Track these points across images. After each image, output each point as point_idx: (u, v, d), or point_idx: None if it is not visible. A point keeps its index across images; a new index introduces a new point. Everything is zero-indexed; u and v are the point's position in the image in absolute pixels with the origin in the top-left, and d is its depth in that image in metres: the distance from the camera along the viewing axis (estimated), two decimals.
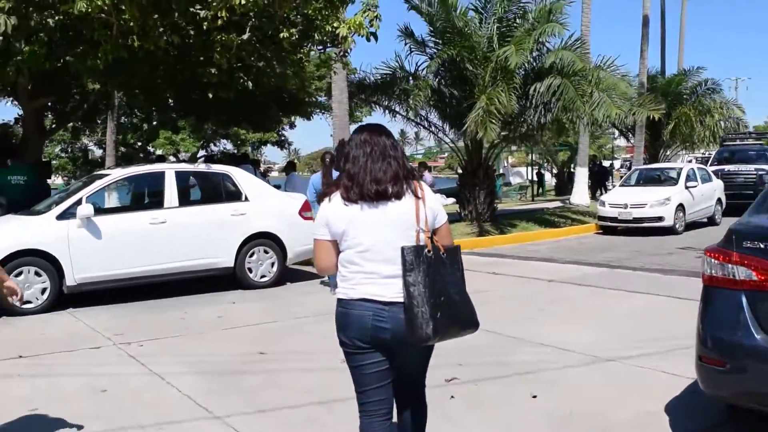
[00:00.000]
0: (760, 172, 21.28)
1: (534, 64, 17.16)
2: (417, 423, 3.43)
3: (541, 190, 37.71)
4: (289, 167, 16.34)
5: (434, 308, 2.99)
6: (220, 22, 9.52)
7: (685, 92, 29.37)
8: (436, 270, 3.06)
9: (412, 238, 3.06)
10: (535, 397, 5.15)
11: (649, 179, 19.09)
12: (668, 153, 31.55)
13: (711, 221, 18.72)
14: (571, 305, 8.59)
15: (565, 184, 38.44)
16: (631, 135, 30.28)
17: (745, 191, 20.81)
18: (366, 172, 3.08)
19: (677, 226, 16.66)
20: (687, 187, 17.51)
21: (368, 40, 11.24)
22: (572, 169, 38.62)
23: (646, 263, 11.95)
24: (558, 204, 26.57)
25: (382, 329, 3.04)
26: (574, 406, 4.98)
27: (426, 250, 3.04)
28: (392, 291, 3.04)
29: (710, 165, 22.67)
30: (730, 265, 4.03)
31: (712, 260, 4.15)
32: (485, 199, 17.75)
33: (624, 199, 17.15)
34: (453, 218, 17.70)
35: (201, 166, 10.88)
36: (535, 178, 38.73)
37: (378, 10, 11.25)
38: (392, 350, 3.13)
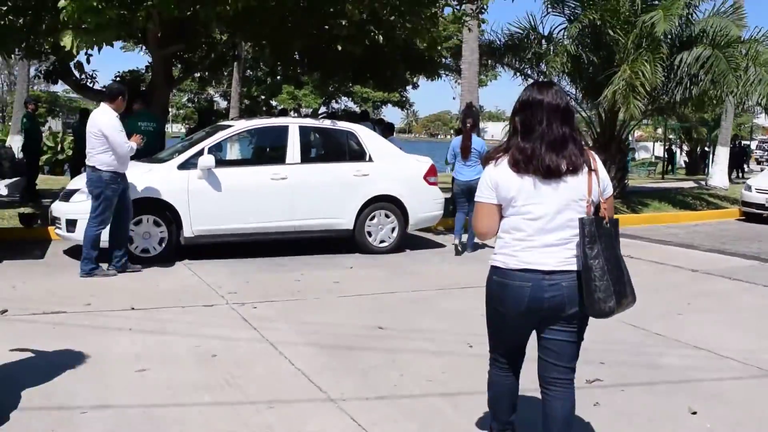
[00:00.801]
0: None
1: (681, 31, 15.78)
2: (563, 416, 3.19)
3: (671, 168, 35.64)
4: (388, 130, 15.81)
5: (615, 281, 2.98)
6: None
7: None
8: (610, 242, 3.04)
9: (583, 209, 3.01)
10: (695, 413, 4.41)
11: None
12: None
13: None
14: (722, 302, 7.65)
15: (697, 164, 36.30)
16: None
17: None
18: (539, 149, 2.98)
19: None
20: None
21: None
22: (706, 148, 36.39)
23: None
24: (692, 184, 24.93)
25: (540, 300, 3.00)
26: (744, 428, 4.23)
27: (605, 222, 3.03)
28: (555, 259, 3.00)
29: None
30: None
31: None
32: (616, 175, 16.63)
33: None
34: None
35: (326, 123, 10.42)
36: (665, 155, 36.60)
37: None
38: (547, 320, 3.08)
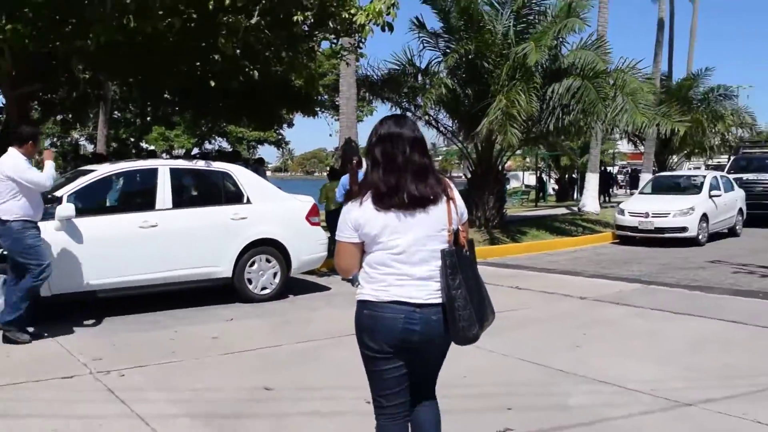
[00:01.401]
0: None
1: (552, 63, 16.16)
2: (432, 420, 3.31)
3: (543, 196, 36.73)
4: (258, 164, 15.38)
5: (477, 308, 3.03)
6: (227, 1, 8.47)
7: (695, 98, 28.47)
8: (470, 268, 3.09)
9: (444, 238, 3.02)
10: None
11: (670, 187, 18.11)
12: (674, 159, 30.75)
13: (732, 232, 17.83)
14: (617, 329, 7.54)
15: (566, 190, 37.61)
16: (639, 141, 29.46)
17: (764, 201, 19.98)
18: (403, 180, 2.97)
19: (700, 237, 15.72)
20: (711, 197, 16.57)
21: (383, 29, 10.24)
22: (574, 175, 37.81)
23: (680, 279, 10.96)
24: (564, 211, 25.60)
25: (411, 332, 2.98)
26: None
27: (464, 250, 3.07)
28: (425, 293, 3.00)
29: (727, 173, 21.71)
30: None
31: None
32: (494, 205, 16.79)
33: (645, 207, 16.17)
34: None
35: (199, 163, 9.69)
36: (537, 183, 37.72)
37: None
38: (416, 352, 3.06)
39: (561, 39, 15.91)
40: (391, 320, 2.98)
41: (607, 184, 33.88)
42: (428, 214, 3.00)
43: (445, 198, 3.05)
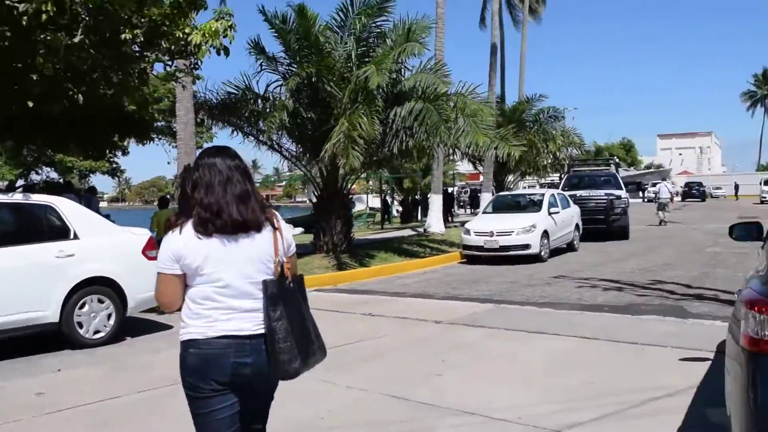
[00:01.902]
0: (610, 197, 21.50)
1: (394, 87, 16.17)
2: None
3: (388, 218, 37.03)
4: (90, 192, 14.33)
5: (299, 341, 2.95)
6: (44, 17, 7.62)
7: (528, 119, 29.73)
8: (295, 301, 3.02)
9: (270, 270, 2.97)
10: None
11: (511, 206, 18.60)
12: (511, 179, 31.94)
13: (570, 247, 18.52)
14: (475, 353, 7.38)
15: (410, 212, 38.18)
16: (478, 162, 30.34)
17: (597, 216, 21.03)
18: (225, 203, 2.91)
19: (543, 253, 16.19)
20: (550, 213, 17.15)
21: (218, 53, 9.69)
22: (417, 196, 38.47)
23: (529, 296, 11.10)
24: (410, 232, 25.81)
25: (243, 365, 2.89)
26: None
27: (287, 282, 3.00)
28: (253, 324, 2.92)
29: (561, 191, 22.70)
30: None
31: (763, 317, 2.99)
32: (342, 229, 16.50)
33: (489, 226, 16.46)
34: (307, 250, 16.32)
35: (16, 197, 8.64)
36: (382, 206, 38.02)
37: (233, 20, 9.78)
38: (248, 387, 2.97)
39: (402, 62, 15.95)
40: (221, 356, 2.88)
41: (449, 204, 34.64)
42: (252, 242, 2.95)
43: (270, 227, 3.01)
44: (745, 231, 5.89)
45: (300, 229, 28.70)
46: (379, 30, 16.39)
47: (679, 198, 63.02)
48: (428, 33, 16.91)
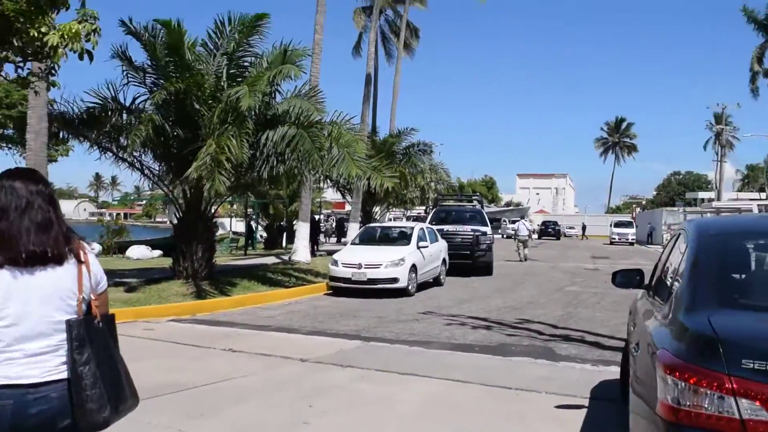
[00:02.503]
0: (476, 233, 21.77)
1: (267, 110, 15.63)
2: None
3: (252, 244, 36.05)
4: None
5: (109, 388, 2.69)
6: None
7: (399, 152, 29.90)
8: (104, 343, 2.74)
9: (72, 309, 2.68)
10: None
11: (380, 238, 18.39)
12: (378, 210, 31.94)
13: (436, 282, 18.50)
14: (345, 398, 6.90)
15: (275, 238, 37.40)
16: (346, 191, 30.15)
17: (463, 251, 21.22)
18: (21, 231, 2.62)
19: (410, 287, 16.03)
20: (419, 247, 17.05)
21: (81, 58, 8.82)
22: (283, 223, 37.78)
23: (398, 333, 10.80)
24: (275, 260, 25.07)
25: (26, 416, 2.54)
26: None
27: (96, 322, 2.73)
28: (42, 370, 2.60)
29: (429, 225, 22.78)
30: (725, 397, 2.60)
31: (684, 384, 2.70)
32: (204, 255, 15.61)
33: (358, 258, 16.13)
34: (165, 275, 15.37)
35: None
36: (247, 231, 36.99)
37: (98, 23, 8.95)
38: None
39: (277, 85, 15.46)
40: None
41: (316, 233, 34.17)
42: (51, 276, 2.66)
43: (74, 260, 2.73)
44: (627, 279, 5.81)
45: (158, 252, 27.37)
46: (252, 50, 15.82)
47: (536, 236, 65.61)
48: (305, 58, 16.52)
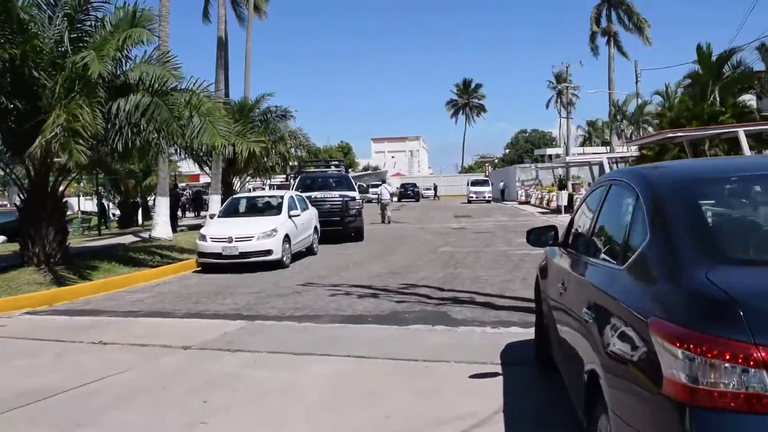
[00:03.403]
0: (345, 199, 21.34)
1: (116, 77, 14.34)
2: None
3: (105, 223, 33.88)
4: None
5: None
6: None
7: (256, 118, 28.79)
8: None
9: None
10: None
11: (248, 209, 17.55)
12: (238, 180, 30.77)
13: (309, 251, 17.95)
14: (242, 389, 6.20)
15: (130, 215, 35.42)
16: (204, 163, 28.80)
17: (333, 218, 20.75)
18: None
19: (285, 258, 15.39)
20: (290, 216, 16.38)
21: None
22: (138, 199, 35.82)
23: (282, 309, 10.19)
24: (133, 238, 23.54)
25: None
26: None
27: None
28: None
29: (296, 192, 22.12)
30: (754, 371, 2.22)
31: (701, 359, 2.30)
32: (56, 237, 14.25)
33: (227, 232, 15.26)
34: (13, 262, 13.95)
35: None
36: (99, 210, 34.71)
37: None
38: None
39: (126, 50, 14.18)
40: None
41: (175, 207, 32.56)
42: None
43: None
44: (541, 237, 5.54)
45: (2, 238, 25.06)
46: (96, 12, 14.43)
47: (396, 198, 66.20)
48: (154, 21, 15.26)
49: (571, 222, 5.32)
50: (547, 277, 5.61)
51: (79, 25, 14.19)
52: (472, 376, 6.15)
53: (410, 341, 7.74)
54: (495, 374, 6.18)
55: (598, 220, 4.33)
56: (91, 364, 7.23)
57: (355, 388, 6.09)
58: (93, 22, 14.50)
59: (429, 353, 7.06)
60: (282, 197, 17.38)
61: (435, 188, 76.37)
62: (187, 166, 43.16)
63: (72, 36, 13.78)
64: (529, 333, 7.74)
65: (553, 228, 5.54)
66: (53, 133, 11.56)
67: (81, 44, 13.79)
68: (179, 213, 39.21)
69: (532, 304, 9.63)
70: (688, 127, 25.95)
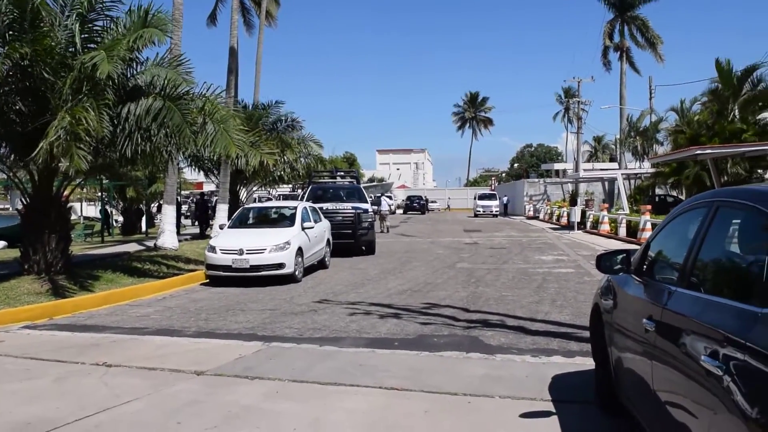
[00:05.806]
0: (357, 211, 20.70)
1: (127, 80, 13.74)
2: None
3: (108, 230, 33.23)
4: None
5: None
6: None
7: (266, 127, 28.17)
8: None
9: None
10: None
11: (260, 220, 16.89)
12: (245, 190, 30.15)
13: (321, 264, 17.25)
14: (267, 427, 5.49)
15: (133, 223, 34.79)
16: (211, 172, 28.26)
17: (344, 230, 20.11)
18: None
19: (297, 272, 14.71)
20: (304, 229, 15.71)
21: None
22: (142, 206, 35.19)
23: (300, 329, 9.51)
24: (138, 246, 22.91)
25: None
26: None
27: None
28: None
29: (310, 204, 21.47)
30: None
31: None
32: (58, 245, 13.61)
33: (238, 244, 14.58)
34: (13, 270, 13.30)
35: None
36: (103, 216, 34.07)
37: None
38: None
39: (138, 50, 13.57)
40: None
41: (178, 215, 31.91)
42: None
43: None
44: (614, 263, 4.91)
45: (2, 243, 24.40)
46: (109, 12, 13.81)
47: (401, 210, 65.54)
48: (167, 24, 14.65)
49: (647, 247, 4.67)
50: (617, 307, 4.94)
51: (90, 25, 13.58)
52: (523, 415, 5.46)
53: (445, 371, 7.04)
54: (548, 413, 5.49)
55: (702, 248, 3.67)
56: (94, 391, 6.53)
57: (392, 429, 5.38)
58: (105, 22, 13.89)
59: (469, 386, 6.37)
60: (295, 208, 16.70)
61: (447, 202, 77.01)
62: (191, 174, 42.62)
63: (83, 36, 13.17)
64: (574, 364, 7.13)
65: (625, 252, 4.89)
66: (56, 137, 10.93)
67: (92, 44, 13.19)
68: (182, 222, 38.58)
69: (569, 330, 9.06)
70: (712, 144, 25.19)
